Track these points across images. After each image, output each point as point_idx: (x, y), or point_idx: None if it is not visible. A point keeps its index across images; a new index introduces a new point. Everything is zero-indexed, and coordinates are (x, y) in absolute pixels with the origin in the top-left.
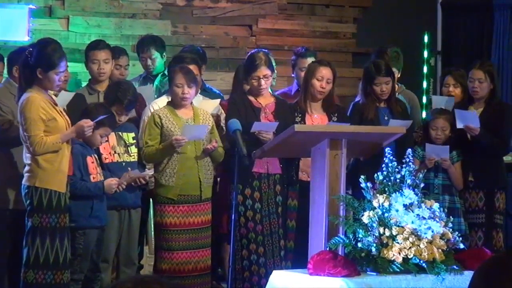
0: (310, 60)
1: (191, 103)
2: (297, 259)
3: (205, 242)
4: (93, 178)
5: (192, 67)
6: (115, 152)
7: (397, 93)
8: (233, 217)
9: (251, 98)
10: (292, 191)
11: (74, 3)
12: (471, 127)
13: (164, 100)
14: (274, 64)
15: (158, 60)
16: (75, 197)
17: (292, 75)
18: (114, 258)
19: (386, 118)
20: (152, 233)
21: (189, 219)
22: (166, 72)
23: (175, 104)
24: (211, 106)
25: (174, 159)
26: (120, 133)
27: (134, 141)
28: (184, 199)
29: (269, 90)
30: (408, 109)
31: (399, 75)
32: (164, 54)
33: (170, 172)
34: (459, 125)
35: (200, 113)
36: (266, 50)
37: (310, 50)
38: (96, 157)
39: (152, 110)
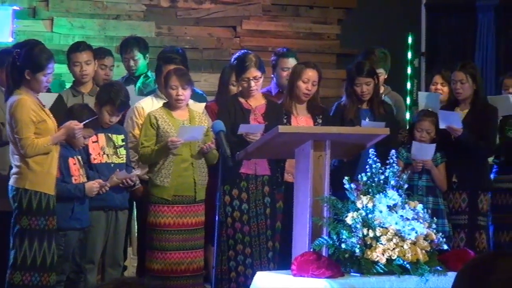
0: (291, 60)
1: (187, 104)
2: (281, 260)
3: (198, 243)
4: (75, 179)
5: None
6: (104, 153)
7: (383, 95)
8: (217, 218)
9: (241, 100)
10: (277, 193)
11: (58, 5)
12: (453, 127)
13: (148, 100)
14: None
15: (140, 62)
16: (56, 199)
17: (272, 75)
18: (99, 259)
19: (367, 119)
20: (136, 234)
21: (183, 220)
22: (148, 74)
23: (171, 105)
24: (196, 109)
25: (169, 160)
26: (109, 134)
27: (123, 143)
28: (178, 199)
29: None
30: (394, 111)
31: (386, 76)
32: (147, 55)
33: (166, 173)
34: (442, 126)
35: (196, 114)
36: (251, 52)
37: (291, 50)
38: (79, 158)
39: (136, 110)
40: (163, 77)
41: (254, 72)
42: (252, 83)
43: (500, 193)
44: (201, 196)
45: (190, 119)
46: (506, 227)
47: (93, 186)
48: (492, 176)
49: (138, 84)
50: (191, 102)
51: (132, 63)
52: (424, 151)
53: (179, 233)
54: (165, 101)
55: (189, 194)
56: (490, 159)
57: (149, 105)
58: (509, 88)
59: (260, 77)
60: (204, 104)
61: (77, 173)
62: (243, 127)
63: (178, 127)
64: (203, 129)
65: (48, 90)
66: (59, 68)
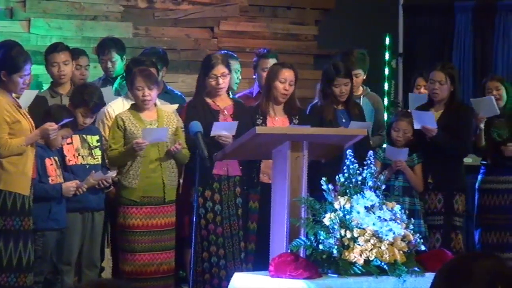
0: (272, 61)
1: (155, 104)
2: (259, 261)
3: (168, 244)
4: (52, 180)
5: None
6: (79, 155)
7: (362, 96)
8: (194, 220)
9: (209, 100)
10: (253, 193)
11: (35, 5)
12: (428, 128)
13: (119, 102)
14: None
15: (118, 63)
16: (33, 199)
17: (254, 76)
18: (76, 260)
19: (344, 120)
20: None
21: (152, 221)
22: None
23: (138, 107)
24: (167, 109)
25: (137, 161)
26: (84, 135)
27: (98, 143)
28: (147, 201)
29: (230, 92)
30: (363, 112)
31: (364, 77)
32: (124, 56)
33: (133, 174)
34: (417, 126)
35: (164, 114)
36: (232, 53)
37: (271, 51)
38: (56, 159)
39: (107, 113)
40: (127, 79)
41: (221, 68)
42: (220, 80)
43: (487, 194)
44: (171, 197)
45: (158, 120)
46: (493, 228)
47: (70, 186)
48: (480, 177)
49: (115, 85)
50: (159, 104)
51: (109, 64)
52: (395, 155)
53: (148, 234)
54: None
55: (158, 195)
56: (470, 161)
57: (120, 106)
58: (493, 90)
59: (228, 74)
60: (175, 106)
61: (54, 174)
62: (217, 124)
63: (142, 129)
64: (167, 130)
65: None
66: (37, 69)
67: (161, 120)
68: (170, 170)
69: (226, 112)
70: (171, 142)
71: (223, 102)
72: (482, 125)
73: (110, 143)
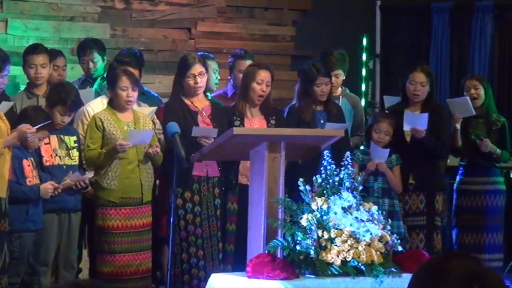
0: (248, 62)
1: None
2: (237, 262)
3: (146, 245)
4: (29, 181)
5: (133, 70)
6: (56, 155)
7: (341, 96)
8: (171, 221)
9: (187, 101)
10: (231, 195)
11: (12, 6)
12: (418, 129)
13: (98, 102)
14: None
15: (99, 63)
16: (10, 201)
17: (229, 77)
18: (53, 261)
19: (322, 121)
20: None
21: (131, 222)
22: (105, 76)
23: (117, 107)
24: (146, 112)
25: (116, 163)
26: (62, 136)
27: (76, 144)
28: (126, 202)
29: (208, 94)
30: (343, 112)
31: (344, 78)
32: (104, 57)
33: (112, 175)
34: (406, 127)
35: (140, 116)
36: (209, 54)
37: (248, 52)
38: (33, 160)
39: (86, 112)
40: (107, 78)
41: (199, 68)
42: (198, 79)
43: (465, 195)
44: (148, 197)
45: (134, 121)
46: (470, 229)
47: (48, 187)
48: (458, 178)
49: (95, 86)
50: (136, 106)
51: (91, 65)
52: (378, 155)
53: (127, 235)
54: (108, 102)
55: (136, 196)
56: (444, 161)
57: (99, 106)
58: (471, 89)
59: (205, 74)
60: (151, 108)
61: (31, 175)
62: (196, 129)
63: (124, 129)
64: (152, 133)
65: (3, 93)
66: (14, 70)
67: (138, 121)
68: (147, 172)
69: (204, 113)
70: (148, 144)
71: (201, 103)
72: (458, 126)
73: (88, 143)
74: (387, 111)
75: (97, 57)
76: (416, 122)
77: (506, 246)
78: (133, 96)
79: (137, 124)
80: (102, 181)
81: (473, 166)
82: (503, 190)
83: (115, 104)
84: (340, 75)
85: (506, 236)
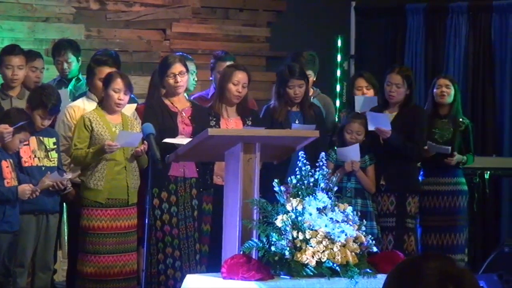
0: (229, 63)
1: None
2: (212, 263)
3: (131, 246)
4: (7, 182)
5: (112, 70)
6: (35, 156)
7: (312, 97)
8: (146, 221)
9: (167, 102)
10: (206, 195)
11: None
12: (382, 129)
13: (80, 102)
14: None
15: (74, 64)
16: None
17: (211, 78)
18: (29, 262)
19: (297, 122)
20: (66, 237)
21: (116, 223)
22: (80, 77)
23: (107, 108)
24: (127, 110)
25: (103, 163)
26: (41, 137)
27: (55, 146)
28: (112, 203)
29: (185, 95)
30: (323, 113)
31: (314, 79)
32: (79, 58)
33: (99, 176)
34: (371, 127)
35: (128, 119)
36: (189, 56)
37: (229, 53)
38: (12, 161)
39: (67, 113)
40: (103, 78)
41: (179, 67)
42: (179, 78)
43: (427, 196)
44: (133, 199)
45: (123, 124)
46: (433, 230)
47: (26, 189)
48: (420, 178)
49: (70, 87)
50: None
51: (66, 65)
52: (347, 155)
53: (112, 236)
54: (98, 103)
55: (122, 197)
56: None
57: (81, 107)
58: (442, 87)
59: (186, 73)
60: (134, 105)
61: (10, 176)
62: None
63: (112, 130)
64: (141, 136)
65: None
66: None
67: (126, 124)
68: (133, 173)
69: (184, 114)
70: (136, 146)
71: (182, 104)
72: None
73: (76, 142)
74: (358, 112)
75: (71, 58)
76: (379, 122)
77: (469, 246)
78: (124, 100)
79: (125, 128)
80: (89, 182)
81: (435, 167)
82: (465, 191)
83: (105, 105)
84: (310, 76)
85: (469, 237)
